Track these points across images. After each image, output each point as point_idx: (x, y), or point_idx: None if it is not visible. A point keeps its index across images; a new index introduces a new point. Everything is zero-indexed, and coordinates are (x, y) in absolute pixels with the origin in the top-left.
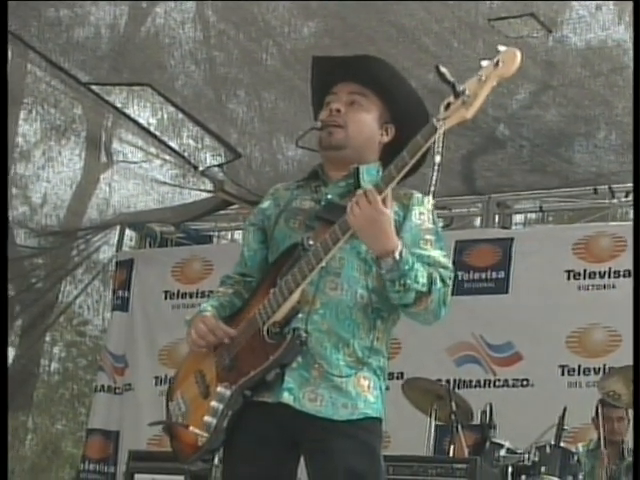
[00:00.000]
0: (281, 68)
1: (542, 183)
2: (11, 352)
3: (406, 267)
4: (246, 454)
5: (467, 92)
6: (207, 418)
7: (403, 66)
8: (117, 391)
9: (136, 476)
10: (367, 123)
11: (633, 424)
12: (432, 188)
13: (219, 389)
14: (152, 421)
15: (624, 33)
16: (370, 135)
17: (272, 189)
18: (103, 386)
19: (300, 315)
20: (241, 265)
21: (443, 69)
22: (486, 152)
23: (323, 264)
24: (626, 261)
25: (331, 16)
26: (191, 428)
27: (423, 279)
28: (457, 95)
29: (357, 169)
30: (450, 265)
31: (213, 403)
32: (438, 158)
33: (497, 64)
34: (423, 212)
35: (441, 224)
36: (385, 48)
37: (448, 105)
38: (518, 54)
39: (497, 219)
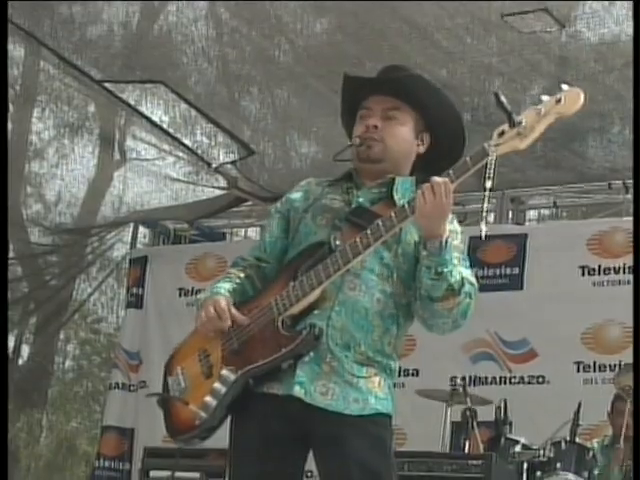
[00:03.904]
0: (294, 65)
1: (556, 178)
2: (25, 349)
3: (447, 256)
4: (255, 452)
5: (524, 123)
6: (208, 398)
7: (416, 62)
8: (132, 388)
9: (152, 473)
10: (404, 136)
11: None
12: (484, 213)
13: (224, 372)
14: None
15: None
16: (407, 147)
17: (305, 182)
18: (118, 383)
19: (316, 312)
20: (259, 249)
21: (502, 97)
22: None
23: (350, 266)
24: None
25: (343, 13)
26: (191, 406)
27: (458, 277)
28: (513, 125)
29: (393, 179)
30: (475, 283)
31: (216, 385)
32: (489, 184)
33: (559, 101)
34: (453, 231)
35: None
36: (398, 44)
37: (502, 133)
38: (582, 95)
39: (511, 215)
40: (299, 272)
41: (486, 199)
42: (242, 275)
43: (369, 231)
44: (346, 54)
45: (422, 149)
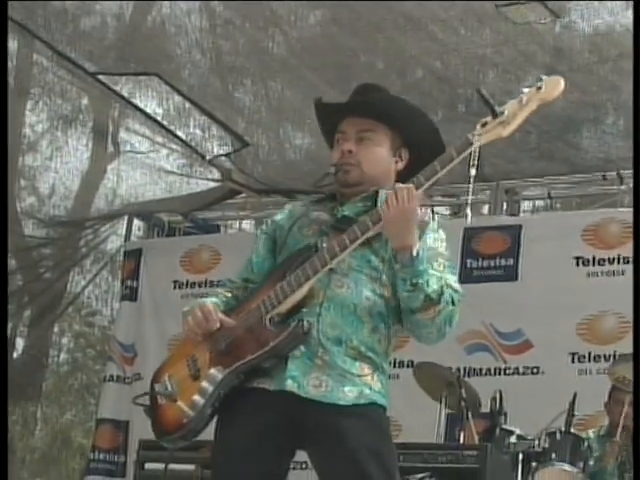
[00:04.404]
0: (288, 57)
1: (550, 170)
2: (20, 343)
3: (421, 267)
4: (239, 451)
5: (506, 113)
6: (196, 397)
7: (411, 54)
8: (127, 381)
9: (147, 465)
10: (380, 157)
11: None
12: (469, 198)
13: (211, 371)
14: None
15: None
16: (384, 167)
17: (290, 204)
18: (112, 376)
19: (305, 309)
20: (247, 270)
21: (484, 92)
22: None
23: (338, 259)
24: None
25: (338, 4)
26: (179, 402)
27: (435, 286)
28: (495, 116)
29: (376, 192)
30: (460, 290)
31: (204, 383)
32: (473, 171)
33: (540, 88)
34: (437, 239)
35: (448, 212)
36: (392, 36)
37: (485, 124)
38: (562, 81)
39: (505, 206)
40: (287, 273)
41: (471, 186)
42: (229, 295)
43: (355, 227)
44: (340, 46)
45: (401, 165)
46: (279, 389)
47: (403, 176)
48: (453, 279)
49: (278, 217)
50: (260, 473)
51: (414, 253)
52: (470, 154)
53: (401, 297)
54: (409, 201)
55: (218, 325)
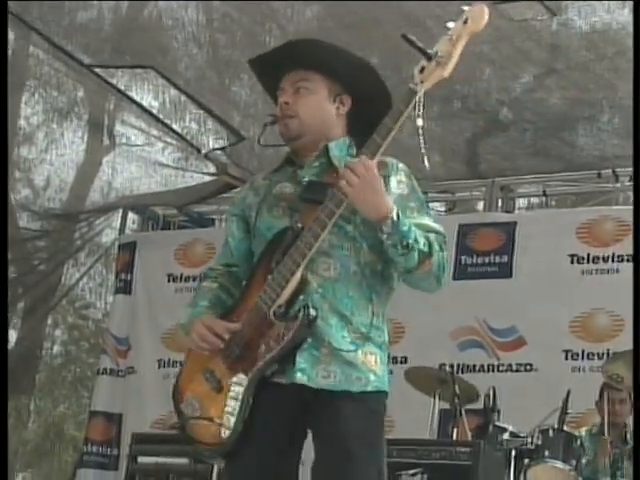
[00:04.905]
0: None
1: (545, 167)
2: (13, 335)
3: (404, 228)
4: (255, 445)
5: (440, 53)
6: (227, 408)
7: (407, 49)
8: (120, 374)
9: (139, 459)
10: (316, 103)
11: (633, 425)
12: (422, 151)
13: (234, 379)
14: (156, 407)
15: (629, 16)
16: (323, 114)
17: (249, 180)
18: (106, 369)
19: (301, 297)
20: (226, 256)
21: (411, 37)
22: (489, 135)
23: (322, 239)
24: (630, 245)
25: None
26: (211, 417)
27: (422, 240)
28: (429, 58)
29: (326, 147)
30: (442, 230)
31: (230, 394)
32: (420, 121)
33: (466, 21)
34: (401, 180)
35: (443, 208)
36: (388, 31)
37: (422, 69)
38: (486, 9)
39: (500, 203)
40: (273, 264)
41: (420, 137)
42: (215, 286)
43: (328, 202)
44: (336, 41)
45: (343, 110)
46: (291, 382)
47: (353, 122)
48: (430, 220)
49: (242, 194)
50: (272, 468)
51: (394, 217)
52: (415, 104)
53: (397, 262)
54: (368, 171)
55: (226, 336)
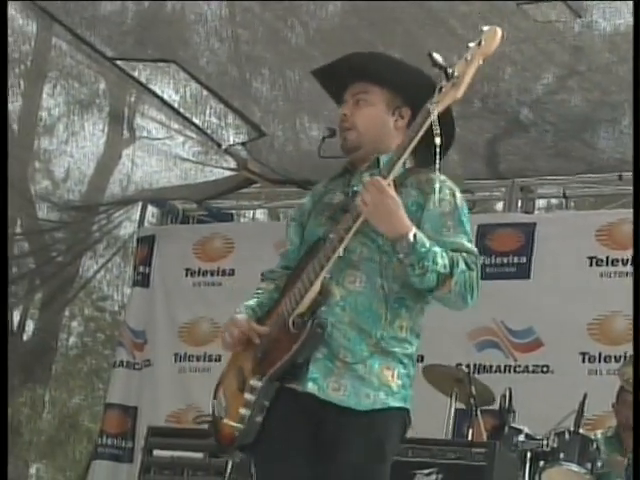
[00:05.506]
0: (306, 47)
1: (566, 168)
2: (30, 325)
3: (422, 249)
4: (276, 451)
5: (456, 73)
6: (242, 410)
7: (429, 48)
8: (136, 367)
9: (155, 452)
10: (374, 116)
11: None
12: (437, 166)
13: (252, 382)
14: (171, 401)
15: None
16: (381, 126)
17: (315, 186)
18: (122, 361)
19: (323, 308)
20: (285, 259)
21: (436, 55)
22: (510, 136)
23: (338, 253)
24: None
25: None
26: (225, 421)
27: (443, 261)
28: (448, 78)
29: (377, 158)
30: (474, 250)
31: (247, 395)
32: (438, 140)
33: (480, 43)
34: (443, 198)
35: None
36: (412, 29)
37: (440, 89)
38: (499, 32)
39: (520, 204)
40: (304, 272)
41: (437, 156)
42: (271, 287)
43: (348, 215)
44: (359, 38)
45: (402, 123)
46: (303, 390)
47: None
48: (465, 239)
49: (304, 200)
50: (293, 474)
51: (411, 238)
52: (432, 123)
53: (416, 282)
54: (381, 192)
55: (258, 341)
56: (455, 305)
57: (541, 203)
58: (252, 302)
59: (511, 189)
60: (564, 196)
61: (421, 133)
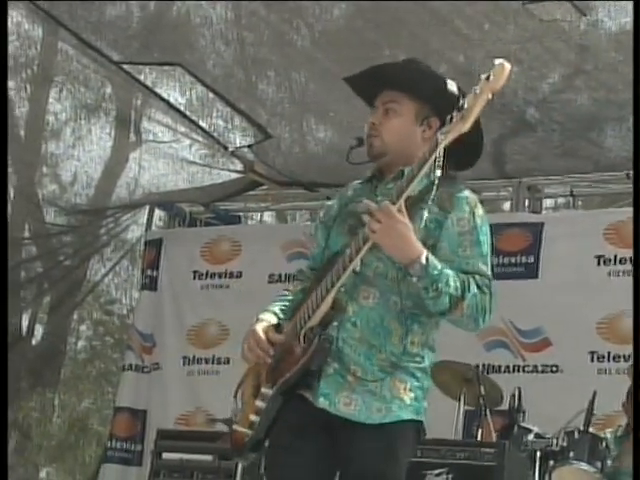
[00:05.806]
0: (312, 49)
1: (573, 167)
2: (39, 329)
3: (435, 272)
4: (288, 445)
5: (466, 106)
6: (252, 417)
7: (435, 48)
8: (145, 370)
9: (164, 455)
10: (401, 126)
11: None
12: (432, 196)
13: (263, 389)
14: (180, 404)
15: None
16: (407, 136)
17: (342, 190)
18: (131, 365)
19: (335, 323)
20: (312, 259)
21: (450, 84)
22: (517, 135)
23: (348, 272)
24: None
25: None
26: (235, 426)
27: (455, 283)
28: (459, 109)
29: (402, 171)
30: (488, 273)
31: (258, 402)
32: (438, 172)
33: (488, 78)
34: (462, 217)
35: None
36: (417, 30)
37: (451, 119)
38: (507, 68)
39: (527, 203)
40: (319, 285)
41: (435, 187)
42: (298, 288)
43: (360, 236)
44: (364, 39)
45: (430, 133)
46: (314, 404)
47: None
48: (481, 261)
49: (331, 202)
50: (307, 466)
51: (423, 261)
52: (437, 154)
53: (428, 305)
54: (389, 218)
55: (271, 351)
56: (467, 327)
57: (548, 202)
58: (275, 307)
59: (518, 189)
60: (571, 195)
61: (430, 162)
